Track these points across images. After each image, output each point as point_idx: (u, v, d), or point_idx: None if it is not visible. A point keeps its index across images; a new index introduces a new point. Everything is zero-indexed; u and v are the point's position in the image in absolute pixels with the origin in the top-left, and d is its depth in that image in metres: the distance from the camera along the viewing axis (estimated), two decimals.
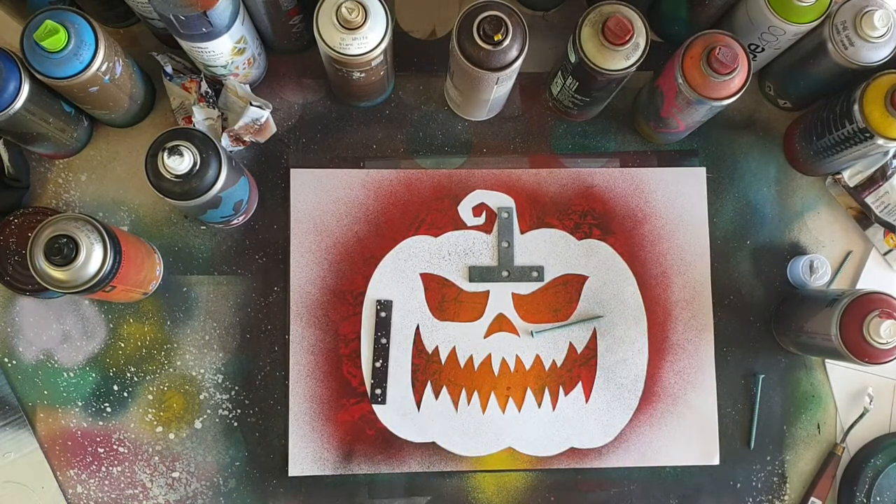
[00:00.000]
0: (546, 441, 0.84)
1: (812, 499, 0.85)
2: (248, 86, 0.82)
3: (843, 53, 0.75)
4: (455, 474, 0.84)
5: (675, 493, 0.85)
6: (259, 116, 0.81)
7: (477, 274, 0.85)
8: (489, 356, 0.84)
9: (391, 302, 0.84)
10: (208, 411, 0.83)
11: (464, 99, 0.82)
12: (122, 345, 0.83)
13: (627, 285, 0.86)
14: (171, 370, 0.83)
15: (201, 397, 0.83)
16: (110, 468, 0.82)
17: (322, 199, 0.85)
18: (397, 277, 0.85)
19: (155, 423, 0.83)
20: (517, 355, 0.85)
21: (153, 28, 0.82)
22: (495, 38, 0.70)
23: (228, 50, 0.75)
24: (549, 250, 0.86)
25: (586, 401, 0.85)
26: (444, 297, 0.85)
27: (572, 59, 0.75)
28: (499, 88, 0.77)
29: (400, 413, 0.84)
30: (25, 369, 0.82)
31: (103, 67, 0.71)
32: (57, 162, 0.85)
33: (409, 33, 0.88)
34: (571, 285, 0.86)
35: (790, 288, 0.87)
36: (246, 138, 0.84)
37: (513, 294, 0.85)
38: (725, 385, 0.86)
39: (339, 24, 0.70)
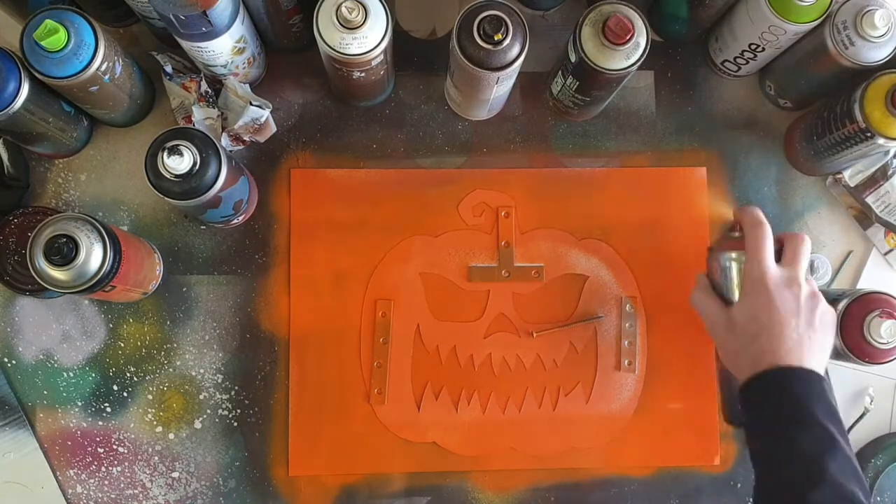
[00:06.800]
0: (546, 441, 0.84)
1: None
2: (247, 85, 0.82)
3: (844, 53, 0.75)
4: (455, 474, 0.84)
5: (675, 494, 0.85)
6: (259, 116, 0.81)
7: (477, 274, 0.85)
8: (489, 356, 0.84)
9: (391, 302, 0.84)
10: (208, 411, 0.83)
11: (464, 98, 0.82)
12: (122, 345, 0.83)
13: (627, 285, 0.86)
14: (170, 370, 0.83)
15: (201, 397, 0.83)
16: (110, 468, 0.82)
17: (322, 198, 0.85)
18: (397, 277, 0.85)
19: (155, 422, 0.83)
20: (517, 355, 0.84)
21: (153, 28, 0.81)
22: (495, 38, 0.70)
23: (228, 49, 0.75)
24: (549, 250, 0.86)
25: (586, 401, 0.85)
26: (444, 297, 0.85)
27: (572, 58, 0.75)
28: (499, 88, 0.77)
29: (400, 412, 0.84)
30: (25, 369, 0.82)
31: (103, 67, 0.71)
32: (57, 161, 0.84)
33: (409, 33, 0.88)
34: (571, 285, 0.86)
35: None
36: (246, 138, 0.84)
37: (513, 294, 0.85)
38: (726, 385, 0.86)
39: (339, 23, 0.70)
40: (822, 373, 0.61)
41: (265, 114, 0.82)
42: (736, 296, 0.64)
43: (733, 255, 0.65)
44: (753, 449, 0.60)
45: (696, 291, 0.68)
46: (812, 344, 0.61)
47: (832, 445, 0.56)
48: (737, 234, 0.66)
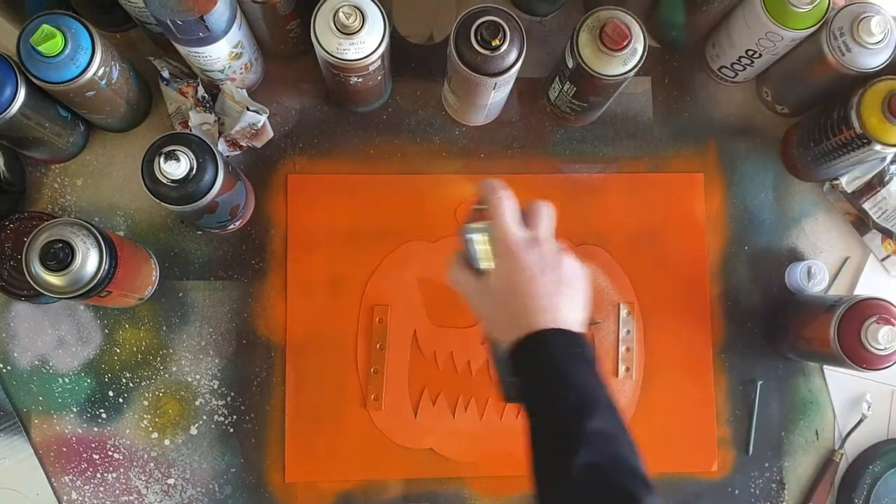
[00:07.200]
0: None
1: None
2: (245, 90, 0.82)
3: (841, 59, 0.75)
4: (452, 480, 0.84)
5: (672, 500, 0.85)
6: (256, 121, 0.81)
7: None
8: (486, 362, 0.84)
9: (388, 307, 0.84)
10: (204, 417, 0.83)
11: (461, 104, 0.82)
12: (118, 350, 0.83)
13: (624, 291, 0.86)
14: (166, 376, 0.83)
15: (197, 403, 0.83)
16: (105, 474, 0.82)
17: (319, 204, 0.85)
18: (395, 283, 0.85)
19: (150, 429, 0.82)
20: None
21: (150, 33, 0.81)
22: (493, 44, 0.70)
23: (225, 55, 0.75)
24: None
25: None
26: (441, 303, 0.84)
27: (570, 64, 0.75)
28: (496, 93, 0.77)
29: (397, 419, 0.83)
30: (20, 375, 0.82)
31: (100, 72, 0.71)
32: (53, 167, 0.84)
33: (406, 38, 0.88)
34: None
35: (788, 294, 0.87)
36: (243, 143, 0.84)
37: None
38: (723, 391, 0.86)
39: (337, 28, 0.70)
40: (577, 328, 0.61)
41: (262, 119, 0.82)
42: (484, 265, 0.64)
43: (477, 225, 0.65)
44: (528, 415, 0.60)
45: (451, 269, 0.65)
46: (564, 298, 0.61)
47: (590, 408, 0.58)
48: (482, 206, 0.66)
